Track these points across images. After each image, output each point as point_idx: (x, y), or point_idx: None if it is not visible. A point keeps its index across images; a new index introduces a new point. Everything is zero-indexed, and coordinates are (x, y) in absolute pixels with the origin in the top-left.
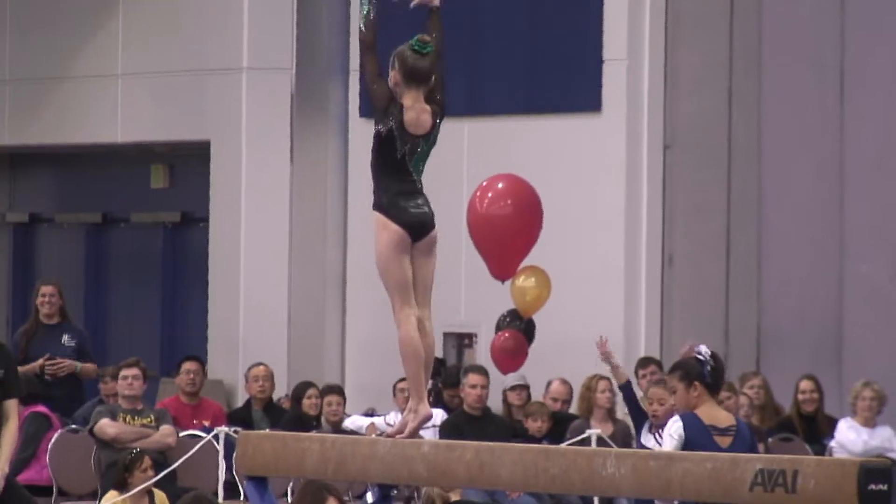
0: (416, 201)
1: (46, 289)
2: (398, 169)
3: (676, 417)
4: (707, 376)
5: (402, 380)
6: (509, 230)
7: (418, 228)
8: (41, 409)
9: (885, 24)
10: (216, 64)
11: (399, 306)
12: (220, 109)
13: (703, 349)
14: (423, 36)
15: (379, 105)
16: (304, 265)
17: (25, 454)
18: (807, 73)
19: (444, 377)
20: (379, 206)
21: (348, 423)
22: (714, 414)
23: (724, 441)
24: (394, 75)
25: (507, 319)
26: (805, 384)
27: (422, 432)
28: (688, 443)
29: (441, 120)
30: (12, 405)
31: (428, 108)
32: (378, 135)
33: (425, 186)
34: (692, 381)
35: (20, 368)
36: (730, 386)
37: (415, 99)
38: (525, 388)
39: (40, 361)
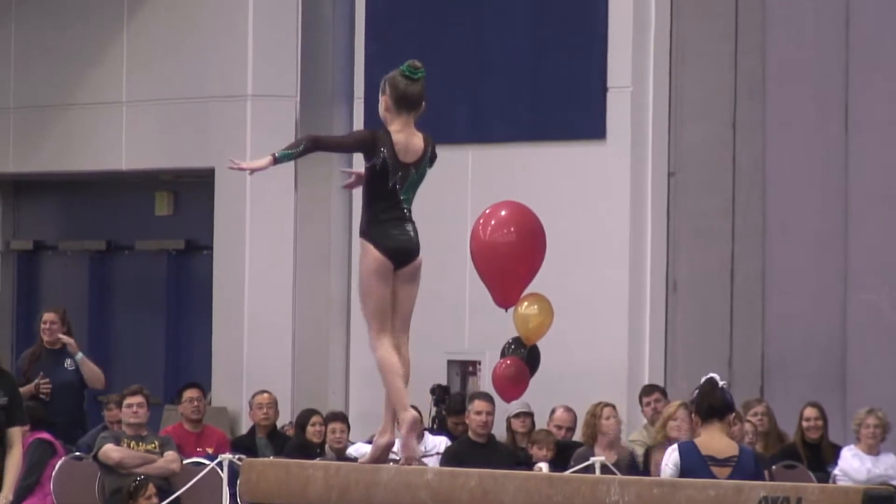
0: (401, 228)
1: (48, 316)
2: (388, 196)
3: (674, 447)
4: (697, 405)
5: None
6: (512, 258)
7: (401, 256)
8: (45, 436)
9: (888, 53)
10: (220, 91)
11: (375, 332)
12: (224, 137)
13: (703, 379)
14: (413, 62)
15: (367, 145)
16: (308, 293)
17: (29, 481)
18: (811, 102)
19: (448, 404)
20: (364, 232)
21: (352, 451)
22: (713, 444)
23: (722, 472)
24: (384, 101)
25: (513, 347)
26: (809, 411)
27: (425, 459)
28: (684, 472)
29: (432, 150)
30: (17, 433)
31: (419, 133)
32: (372, 168)
33: (428, 214)
34: (691, 411)
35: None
36: (736, 413)
37: (404, 124)
38: (529, 415)
39: (35, 382)
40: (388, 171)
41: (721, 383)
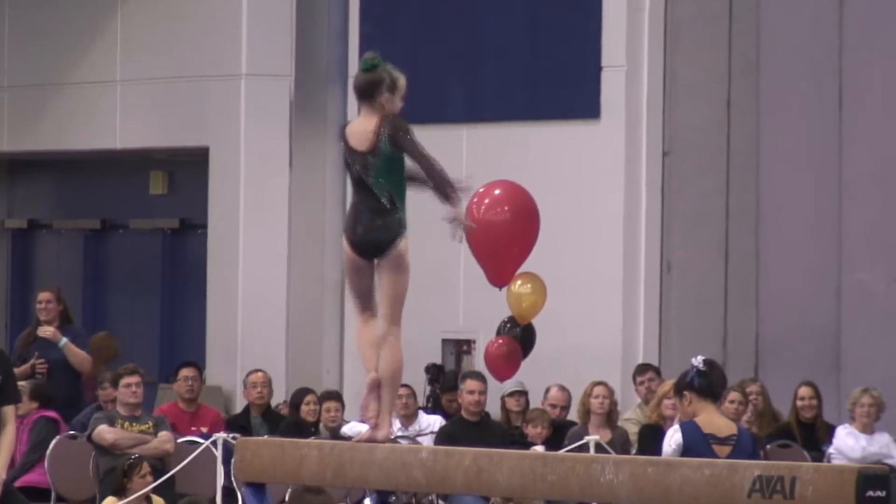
0: (370, 220)
1: (43, 295)
2: (358, 187)
3: (676, 426)
4: (695, 384)
5: (402, 387)
6: (506, 237)
7: (368, 249)
8: (51, 413)
9: (883, 32)
10: (215, 71)
11: (356, 316)
12: (219, 116)
13: (697, 358)
14: (367, 54)
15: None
16: (302, 271)
17: (33, 457)
18: (805, 81)
19: (442, 383)
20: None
21: (346, 430)
22: (714, 422)
23: (723, 450)
24: None
25: (508, 326)
26: (804, 391)
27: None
28: (686, 451)
29: (388, 129)
30: (10, 411)
31: (374, 118)
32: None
33: (423, 193)
34: (681, 392)
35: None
36: (742, 394)
37: (365, 114)
38: (523, 393)
39: (31, 362)
40: (347, 162)
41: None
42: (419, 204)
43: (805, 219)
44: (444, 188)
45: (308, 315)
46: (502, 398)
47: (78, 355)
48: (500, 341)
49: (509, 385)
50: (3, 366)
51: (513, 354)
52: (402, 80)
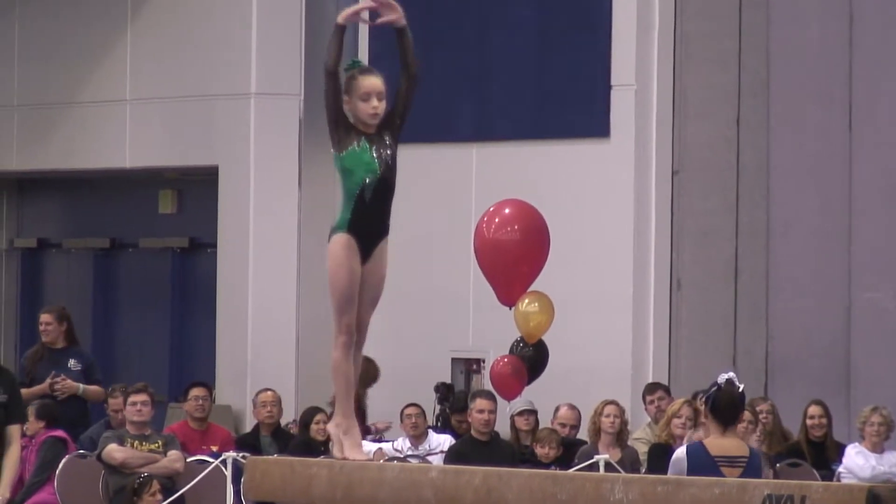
0: None
1: (44, 317)
2: None
3: (682, 448)
4: (710, 402)
5: (410, 405)
6: (516, 256)
7: None
8: (59, 433)
9: (892, 52)
10: (225, 89)
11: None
12: (228, 135)
13: (722, 376)
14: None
15: None
16: (312, 290)
17: (41, 478)
18: (815, 101)
19: (451, 402)
20: None
21: None
22: (723, 444)
23: (733, 472)
24: None
25: (521, 345)
26: (814, 409)
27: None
28: (691, 473)
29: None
30: (15, 430)
31: None
32: None
33: (433, 212)
34: (698, 406)
35: (28, 390)
36: (752, 413)
37: None
38: (533, 412)
39: (48, 381)
40: None
41: (740, 386)
42: (424, 223)
43: (815, 237)
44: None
45: (318, 334)
46: (511, 417)
47: (95, 393)
48: (506, 360)
49: (518, 404)
50: (9, 384)
51: (518, 373)
52: (359, 80)
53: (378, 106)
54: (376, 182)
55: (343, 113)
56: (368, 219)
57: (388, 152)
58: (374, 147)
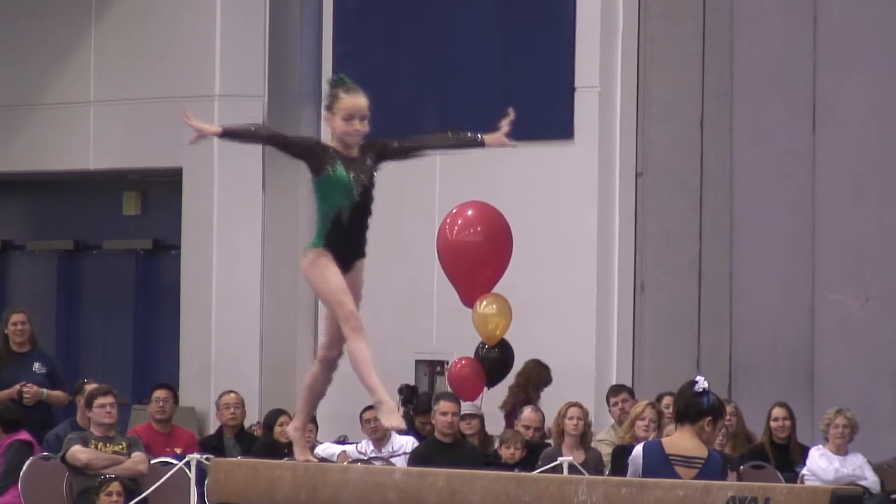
0: None
1: (17, 317)
2: None
3: (639, 446)
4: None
5: (367, 409)
6: (479, 257)
7: None
8: (24, 436)
9: (856, 53)
10: (188, 91)
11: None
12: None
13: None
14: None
15: None
16: (276, 292)
17: (7, 482)
18: (779, 102)
19: (415, 404)
20: None
21: (320, 451)
22: (681, 443)
23: (688, 473)
24: None
25: (486, 347)
26: (777, 411)
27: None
28: (646, 472)
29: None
30: None
31: None
32: None
33: (396, 213)
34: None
35: None
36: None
37: None
38: (477, 416)
39: (17, 387)
40: None
41: (702, 387)
42: (388, 225)
43: (778, 238)
44: (461, 139)
45: (282, 336)
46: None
47: (59, 398)
48: (464, 362)
49: (464, 408)
50: None
51: (475, 375)
52: (343, 100)
53: (360, 128)
54: (352, 206)
55: (305, 146)
56: (345, 240)
57: (367, 174)
58: (351, 169)
